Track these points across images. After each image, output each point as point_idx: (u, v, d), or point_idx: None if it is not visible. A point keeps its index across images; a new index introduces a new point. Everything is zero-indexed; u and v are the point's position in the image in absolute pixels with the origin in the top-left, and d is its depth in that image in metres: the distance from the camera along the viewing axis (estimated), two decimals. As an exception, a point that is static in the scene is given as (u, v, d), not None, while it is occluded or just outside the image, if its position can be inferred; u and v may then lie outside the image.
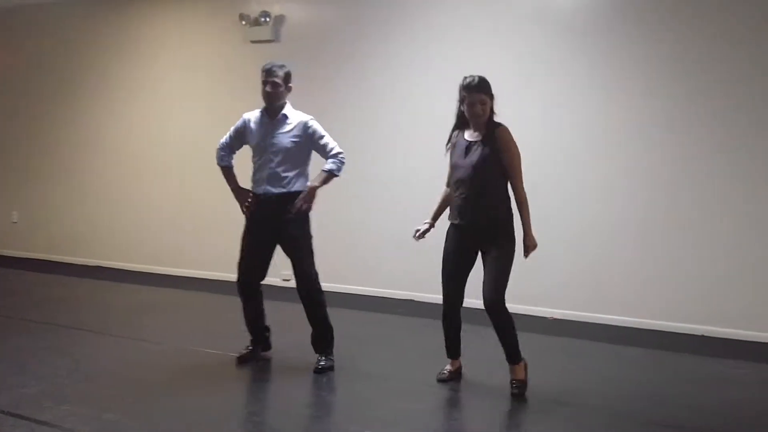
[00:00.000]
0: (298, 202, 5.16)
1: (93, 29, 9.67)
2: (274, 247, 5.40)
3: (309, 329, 5.49)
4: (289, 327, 6.05)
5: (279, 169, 5.23)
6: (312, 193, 5.21)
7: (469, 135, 4.82)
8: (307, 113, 7.51)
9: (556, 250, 6.76)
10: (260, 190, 5.29)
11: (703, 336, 6.31)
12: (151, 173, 9.20)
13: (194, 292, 8.15)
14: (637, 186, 6.60)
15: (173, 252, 9.09)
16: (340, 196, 7.99)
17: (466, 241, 4.86)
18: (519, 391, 4.75)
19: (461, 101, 4.77)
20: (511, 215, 4.77)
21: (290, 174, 5.25)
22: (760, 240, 6.18)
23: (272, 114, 5.31)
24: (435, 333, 6.43)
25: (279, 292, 7.94)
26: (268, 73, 5.25)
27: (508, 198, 4.77)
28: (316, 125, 5.32)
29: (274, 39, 8.31)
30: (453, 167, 4.90)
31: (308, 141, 5.28)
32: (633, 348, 6.00)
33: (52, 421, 4.14)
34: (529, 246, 4.76)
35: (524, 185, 4.75)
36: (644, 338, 6.28)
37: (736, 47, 6.19)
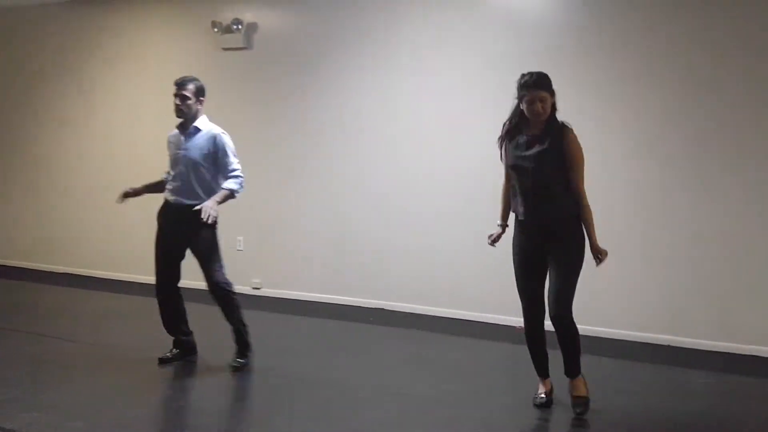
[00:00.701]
0: (204, 215, 5.17)
1: (66, 35, 9.62)
2: (184, 251, 5.53)
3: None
4: (267, 338, 6.17)
5: (190, 180, 5.40)
6: (212, 206, 5.22)
7: (528, 132, 4.62)
8: (278, 120, 7.53)
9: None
10: (172, 198, 5.48)
11: (669, 346, 6.35)
12: (121, 180, 9.04)
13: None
14: (599, 197, 6.65)
15: (142, 260, 9.00)
16: (312, 205, 8.03)
17: (534, 246, 4.65)
18: (582, 410, 4.62)
19: (519, 99, 4.57)
20: (578, 212, 4.59)
21: (200, 185, 5.41)
22: (723, 251, 6.26)
23: (185, 127, 5.49)
24: (403, 342, 6.50)
25: (249, 300, 7.97)
26: (178, 86, 5.44)
27: (572, 195, 4.60)
28: (225, 140, 5.45)
29: (246, 46, 8.32)
30: (513, 166, 4.64)
31: (215, 153, 5.40)
32: (598, 357, 6.00)
33: (17, 428, 4.13)
34: (600, 253, 4.59)
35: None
36: (609, 348, 6.31)
37: (713, 52, 6.25)
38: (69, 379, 5.10)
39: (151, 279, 8.51)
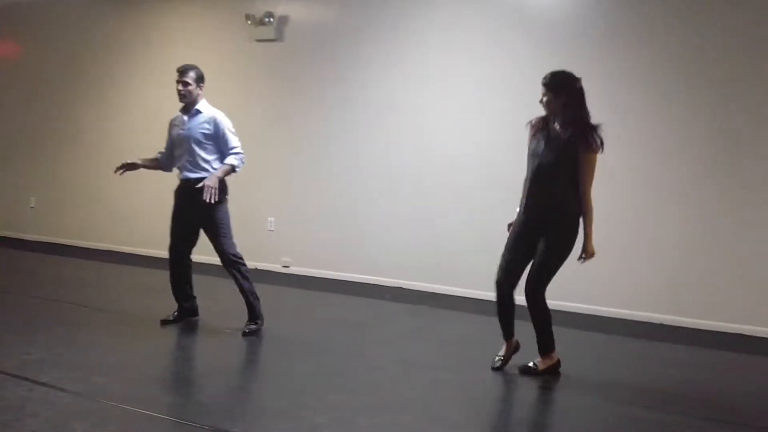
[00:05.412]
0: (205, 190, 5.68)
1: (104, 26, 10.19)
2: (195, 226, 6.03)
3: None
4: (289, 311, 6.75)
5: (194, 157, 5.92)
6: (212, 180, 5.73)
7: (553, 127, 4.94)
8: (307, 109, 7.96)
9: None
10: (181, 176, 6.01)
11: (662, 324, 6.71)
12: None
13: (196, 276, 8.48)
14: (608, 184, 6.95)
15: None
16: (339, 188, 8.44)
17: (530, 228, 5.01)
18: (523, 371, 5.11)
19: None
20: (579, 211, 4.93)
21: (204, 161, 5.92)
22: (709, 237, 6.61)
23: (188, 110, 6.01)
24: (413, 317, 6.91)
25: (279, 277, 8.44)
26: (180, 73, 5.99)
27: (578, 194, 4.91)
28: (224, 120, 5.97)
29: (278, 38, 8.75)
30: (531, 155, 5.03)
31: (215, 133, 5.91)
32: (597, 334, 6.44)
33: (49, 382, 4.59)
34: (586, 253, 4.95)
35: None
36: (608, 326, 6.70)
37: (729, 46, 6.54)
38: (101, 343, 5.56)
39: (196, 257, 9.07)
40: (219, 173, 5.81)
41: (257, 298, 6.05)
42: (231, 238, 5.97)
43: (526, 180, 5.08)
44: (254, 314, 6.02)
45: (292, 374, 5.03)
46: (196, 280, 6.32)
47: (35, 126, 10.92)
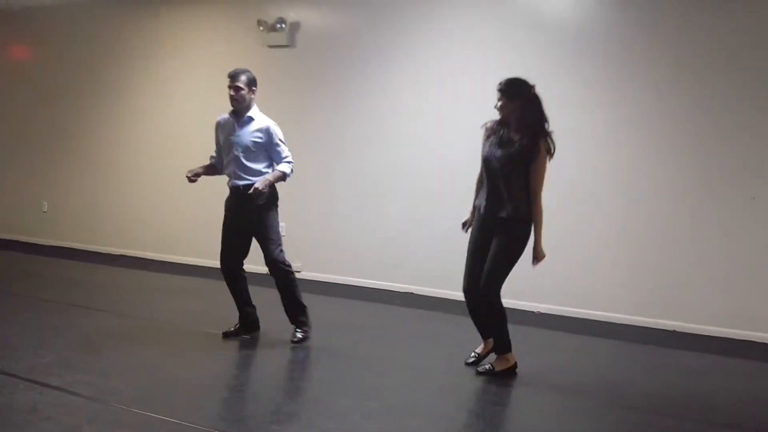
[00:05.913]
0: (255, 188, 5.54)
1: (117, 31, 10.22)
2: (247, 234, 5.88)
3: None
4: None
5: (243, 164, 5.74)
6: (264, 181, 5.61)
7: (508, 131, 5.08)
8: (319, 114, 7.96)
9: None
10: (230, 183, 5.85)
11: (674, 331, 6.70)
12: (170, 169, 9.61)
13: (206, 279, 8.52)
14: (620, 190, 6.98)
15: (190, 242, 9.54)
16: (350, 194, 8.44)
17: (484, 233, 5.16)
18: (480, 372, 5.18)
19: None
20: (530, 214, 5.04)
21: (252, 169, 5.74)
22: (718, 244, 6.61)
23: (239, 115, 5.80)
24: (425, 322, 6.90)
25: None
26: (232, 78, 5.74)
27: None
28: (276, 130, 5.79)
29: (290, 44, 8.77)
30: (484, 159, 5.17)
31: (268, 142, 5.75)
32: (605, 340, 6.41)
33: (60, 386, 4.61)
34: (537, 256, 5.03)
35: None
36: (620, 332, 6.67)
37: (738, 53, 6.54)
38: (111, 347, 5.58)
39: (198, 261, 9.08)
40: (270, 177, 5.69)
41: (304, 306, 5.96)
42: (280, 245, 5.86)
43: (478, 182, 5.28)
44: (300, 320, 5.94)
45: (302, 378, 5.06)
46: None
47: (47, 130, 10.96)
